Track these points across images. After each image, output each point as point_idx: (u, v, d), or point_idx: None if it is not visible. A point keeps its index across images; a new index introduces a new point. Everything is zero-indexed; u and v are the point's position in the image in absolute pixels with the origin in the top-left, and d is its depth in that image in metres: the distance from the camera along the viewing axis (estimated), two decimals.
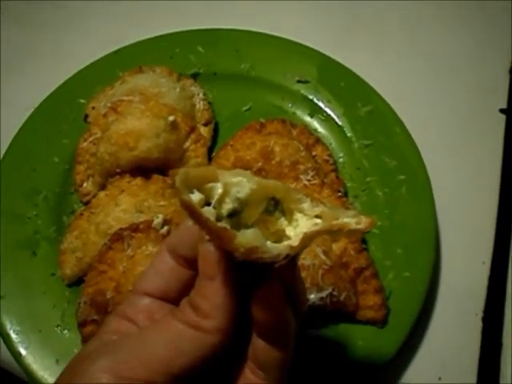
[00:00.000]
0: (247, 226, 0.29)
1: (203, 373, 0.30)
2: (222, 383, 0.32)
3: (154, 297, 0.34)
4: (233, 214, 0.29)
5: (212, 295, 0.30)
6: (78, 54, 0.69)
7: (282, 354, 0.31)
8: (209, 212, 0.27)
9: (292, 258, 0.28)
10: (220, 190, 0.28)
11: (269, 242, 0.28)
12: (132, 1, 0.78)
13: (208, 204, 0.28)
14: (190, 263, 0.33)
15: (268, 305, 0.30)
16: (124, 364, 0.29)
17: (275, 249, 0.27)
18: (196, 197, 0.28)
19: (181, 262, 0.34)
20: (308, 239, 0.28)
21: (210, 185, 0.28)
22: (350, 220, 0.28)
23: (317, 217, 0.29)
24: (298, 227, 0.29)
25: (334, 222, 0.28)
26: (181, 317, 0.30)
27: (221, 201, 0.28)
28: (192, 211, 0.27)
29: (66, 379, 0.31)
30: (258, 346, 0.31)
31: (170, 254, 0.34)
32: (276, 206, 0.29)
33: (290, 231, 0.29)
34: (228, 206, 0.29)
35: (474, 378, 0.49)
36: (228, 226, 0.26)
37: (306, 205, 0.29)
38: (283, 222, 0.30)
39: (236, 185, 0.28)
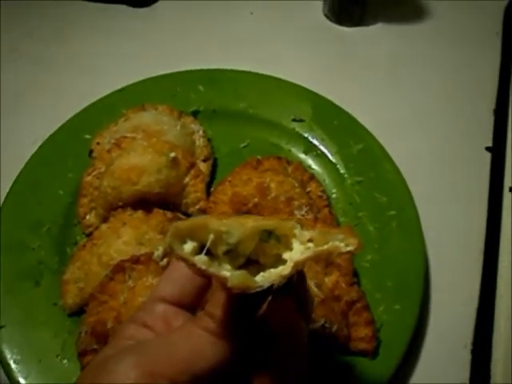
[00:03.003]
0: (245, 256, 0.31)
1: (221, 377, 0.32)
2: None
3: (169, 303, 0.36)
4: (229, 251, 0.31)
5: (225, 304, 0.32)
6: (85, 91, 0.72)
7: (298, 363, 0.33)
8: (201, 260, 0.30)
9: (299, 273, 0.31)
10: (212, 236, 0.30)
11: (261, 275, 0.30)
12: (136, 41, 0.82)
13: (203, 246, 0.30)
14: None
15: (282, 316, 0.33)
16: (152, 361, 0.30)
17: (266, 282, 0.29)
18: (189, 246, 0.30)
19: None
20: (300, 265, 0.30)
21: (202, 231, 0.31)
22: (339, 244, 0.30)
23: (309, 240, 0.31)
24: (293, 251, 0.31)
25: (325, 247, 0.30)
26: (200, 324, 0.32)
27: (215, 242, 0.31)
28: (186, 262, 0.30)
29: (88, 379, 0.32)
30: (275, 357, 0.33)
31: None
32: (270, 236, 0.31)
33: (286, 255, 0.31)
34: (222, 247, 0.31)
35: None
36: (219, 271, 0.29)
37: (297, 231, 0.31)
38: (280, 247, 0.32)
39: (225, 233, 0.30)
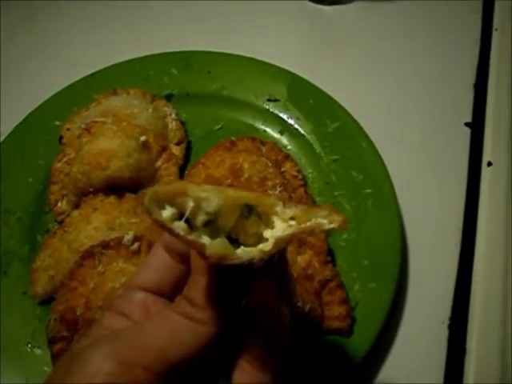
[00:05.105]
0: (225, 232, 0.30)
1: (199, 364, 0.31)
2: (217, 374, 0.33)
3: (148, 291, 0.35)
4: (208, 223, 0.30)
5: (205, 288, 0.31)
6: (55, 77, 0.70)
7: (279, 346, 0.32)
8: (179, 227, 0.28)
9: (280, 254, 0.30)
10: (191, 204, 0.29)
11: (241, 249, 0.29)
12: (106, 25, 0.80)
13: (183, 215, 0.29)
14: (184, 258, 0.35)
15: (262, 298, 0.31)
16: (125, 350, 0.30)
17: (247, 255, 0.28)
18: (168, 212, 0.29)
19: (175, 257, 0.35)
20: (281, 242, 0.29)
21: (181, 199, 0.29)
22: (322, 220, 0.29)
23: (292, 218, 0.30)
24: (274, 229, 0.30)
25: (308, 224, 0.29)
26: (177, 309, 0.31)
27: (194, 212, 0.29)
28: (163, 227, 0.28)
29: (61, 371, 0.31)
30: (255, 340, 0.32)
31: (165, 249, 0.35)
32: (251, 212, 0.30)
33: (267, 234, 0.30)
34: (201, 217, 0.29)
35: None
36: (198, 239, 0.28)
37: (279, 208, 0.30)
38: (260, 224, 0.30)
39: (204, 199, 0.29)
